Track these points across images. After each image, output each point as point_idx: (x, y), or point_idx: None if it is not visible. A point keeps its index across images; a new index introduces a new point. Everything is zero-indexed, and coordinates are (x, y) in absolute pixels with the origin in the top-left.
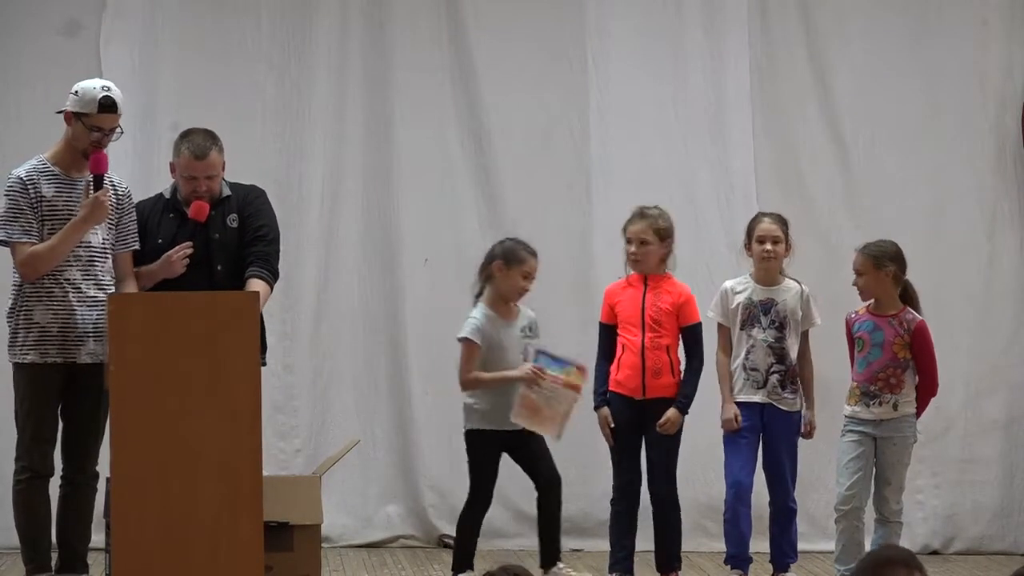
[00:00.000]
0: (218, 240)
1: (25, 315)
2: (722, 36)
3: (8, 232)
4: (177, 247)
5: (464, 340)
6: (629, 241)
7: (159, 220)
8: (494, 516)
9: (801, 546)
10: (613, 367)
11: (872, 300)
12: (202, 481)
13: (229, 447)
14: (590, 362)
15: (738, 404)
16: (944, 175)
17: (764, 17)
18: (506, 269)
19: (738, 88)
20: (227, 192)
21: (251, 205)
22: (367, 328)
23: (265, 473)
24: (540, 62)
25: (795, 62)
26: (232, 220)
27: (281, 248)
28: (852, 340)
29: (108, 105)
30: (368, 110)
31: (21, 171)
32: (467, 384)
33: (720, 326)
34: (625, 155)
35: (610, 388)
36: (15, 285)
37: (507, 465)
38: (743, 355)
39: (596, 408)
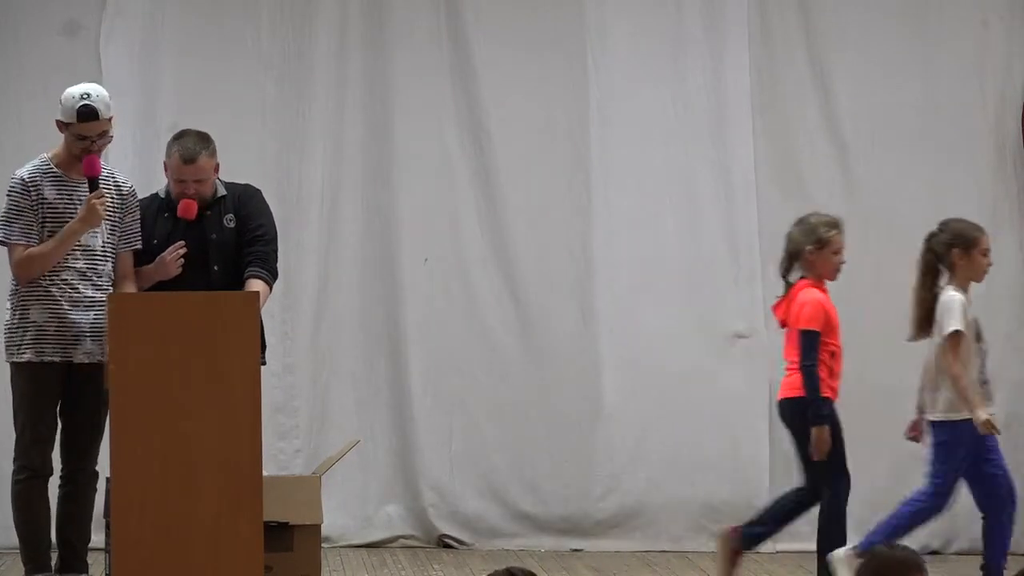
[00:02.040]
0: (215, 240)
1: (21, 315)
2: (722, 36)
3: (7, 233)
4: (170, 248)
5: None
6: (837, 251)
7: (154, 220)
8: (494, 516)
9: (803, 546)
10: (826, 374)
11: None
12: (202, 481)
13: (229, 447)
14: (595, 357)
15: None
16: (944, 175)
17: (764, 17)
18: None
19: (738, 88)
20: (222, 192)
21: (247, 205)
22: (367, 328)
23: (265, 473)
24: (540, 62)
25: (795, 62)
26: (229, 220)
27: (280, 248)
28: None
29: (85, 114)
30: (368, 110)
31: (24, 172)
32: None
33: (963, 337)
34: (625, 155)
35: (829, 396)
36: (12, 286)
37: (509, 465)
38: (979, 368)
39: (821, 424)
